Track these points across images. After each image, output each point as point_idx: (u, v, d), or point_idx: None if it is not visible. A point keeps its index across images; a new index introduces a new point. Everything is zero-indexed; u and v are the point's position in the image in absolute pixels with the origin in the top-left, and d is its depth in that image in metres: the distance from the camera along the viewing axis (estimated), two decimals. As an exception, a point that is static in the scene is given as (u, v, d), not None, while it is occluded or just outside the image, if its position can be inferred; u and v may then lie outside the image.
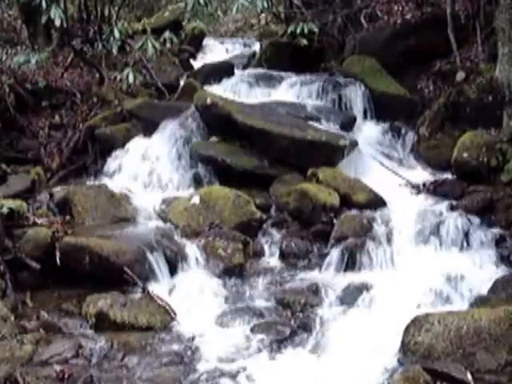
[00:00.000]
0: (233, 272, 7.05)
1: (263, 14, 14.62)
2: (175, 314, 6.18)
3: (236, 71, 11.74)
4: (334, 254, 7.17)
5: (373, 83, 10.09)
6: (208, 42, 15.13)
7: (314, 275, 7.03)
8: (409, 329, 5.43)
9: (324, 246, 7.44)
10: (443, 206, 7.75)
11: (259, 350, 5.63)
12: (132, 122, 9.79)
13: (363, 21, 11.25)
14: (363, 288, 6.52)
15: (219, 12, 16.34)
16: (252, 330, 5.94)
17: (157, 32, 9.69)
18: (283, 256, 7.47)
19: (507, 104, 8.20)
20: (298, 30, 8.85)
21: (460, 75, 9.26)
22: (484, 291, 6.32)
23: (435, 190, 8.25)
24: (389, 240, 7.29)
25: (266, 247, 7.58)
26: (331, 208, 7.72)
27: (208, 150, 8.90)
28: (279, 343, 5.73)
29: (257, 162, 8.63)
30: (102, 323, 6.06)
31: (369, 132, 9.69)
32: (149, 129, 9.47)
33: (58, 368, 5.26)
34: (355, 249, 7.13)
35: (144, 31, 10.53)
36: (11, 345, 5.54)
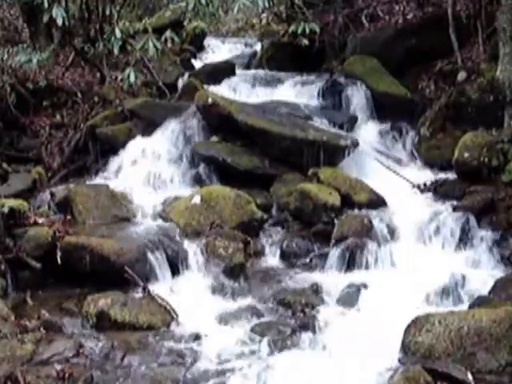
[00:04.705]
0: (233, 272, 7.04)
1: (264, 14, 14.60)
2: (176, 313, 6.17)
3: (237, 71, 11.74)
4: (335, 253, 7.18)
5: (374, 83, 10.09)
6: (209, 41, 15.13)
7: (314, 275, 7.04)
8: (409, 329, 5.42)
9: (325, 246, 7.45)
10: (444, 206, 7.76)
11: (260, 350, 5.62)
12: (133, 121, 9.80)
13: (364, 21, 11.25)
14: (364, 288, 6.53)
15: (220, 12, 16.31)
16: (252, 330, 5.94)
17: (158, 31, 9.64)
18: (284, 256, 7.48)
19: (508, 104, 8.20)
20: (300, 30, 8.82)
21: (461, 75, 9.27)
22: (485, 291, 6.32)
23: (436, 190, 8.25)
24: (389, 240, 7.31)
25: (266, 247, 7.59)
26: (332, 208, 7.72)
27: (209, 150, 8.90)
28: (280, 343, 5.72)
29: (258, 162, 8.64)
30: (103, 323, 6.06)
31: (370, 132, 9.69)
32: (150, 128, 9.48)
33: (58, 367, 5.26)
34: (356, 249, 7.13)
35: (145, 31, 10.51)
36: (12, 344, 5.54)
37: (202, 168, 8.81)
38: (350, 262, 7.09)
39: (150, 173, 8.92)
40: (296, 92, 10.25)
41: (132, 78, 8.42)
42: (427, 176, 8.71)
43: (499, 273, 6.72)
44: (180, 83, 11.41)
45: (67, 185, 8.66)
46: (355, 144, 8.84)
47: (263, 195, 8.28)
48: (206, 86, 10.61)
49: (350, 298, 6.45)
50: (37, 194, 8.38)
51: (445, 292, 6.43)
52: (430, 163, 9.00)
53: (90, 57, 11.20)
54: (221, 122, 9.07)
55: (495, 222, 7.41)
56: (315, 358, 5.50)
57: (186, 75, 11.75)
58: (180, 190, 8.63)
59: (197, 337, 5.83)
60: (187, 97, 10.27)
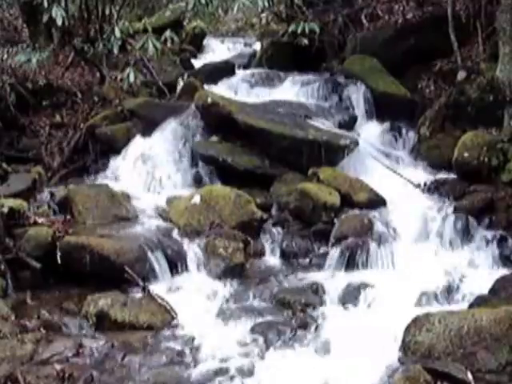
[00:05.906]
0: (233, 271, 7.05)
1: (264, 14, 14.57)
2: (176, 313, 6.18)
3: (237, 71, 11.73)
4: (335, 253, 7.18)
5: (373, 83, 10.08)
6: (209, 41, 15.13)
7: (314, 275, 7.04)
8: (409, 328, 5.42)
9: (324, 246, 7.46)
10: (444, 205, 7.75)
11: (259, 350, 5.62)
12: (133, 121, 9.79)
13: (364, 20, 11.23)
14: (364, 287, 6.53)
15: (220, 11, 16.31)
16: (252, 330, 5.93)
17: (158, 31, 9.63)
18: (284, 255, 7.48)
19: (508, 104, 8.19)
20: (299, 30, 8.83)
21: (461, 75, 9.26)
22: (484, 291, 6.32)
23: (436, 189, 8.24)
24: (389, 240, 7.30)
25: (266, 247, 7.59)
26: (332, 207, 7.72)
27: (209, 150, 8.90)
28: (279, 343, 5.73)
29: (257, 162, 8.63)
30: (103, 323, 6.07)
31: (370, 132, 9.68)
32: (149, 128, 9.47)
33: (58, 367, 5.26)
34: (356, 248, 7.13)
35: (145, 30, 10.48)
36: (12, 344, 5.54)
37: (201, 168, 8.82)
38: (350, 262, 7.08)
39: (149, 172, 8.93)
40: (296, 91, 10.24)
41: (131, 78, 8.42)
42: (427, 175, 8.69)
43: (499, 272, 6.71)
44: (180, 83, 11.40)
45: (67, 185, 8.67)
46: (355, 144, 8.83)
47: (263, 195, 8.28)
48: (205, 86, 10.60)
49: (349, 297, 6.45)
50: (36, 193, 8.36)
51: (445, 291, 6.44)
52: (429, 163, 8.99)
53: (89, 57, 11.18)
54: (220, 121, 9.06)
55: (495, 221, 7.40)
56: (315, 357, 5.51)
57: (186, 75, 11.75)
58: (180, 189, 8.63)
59: (197, 337, 5.83)
60: (187, 97, 10.26)
